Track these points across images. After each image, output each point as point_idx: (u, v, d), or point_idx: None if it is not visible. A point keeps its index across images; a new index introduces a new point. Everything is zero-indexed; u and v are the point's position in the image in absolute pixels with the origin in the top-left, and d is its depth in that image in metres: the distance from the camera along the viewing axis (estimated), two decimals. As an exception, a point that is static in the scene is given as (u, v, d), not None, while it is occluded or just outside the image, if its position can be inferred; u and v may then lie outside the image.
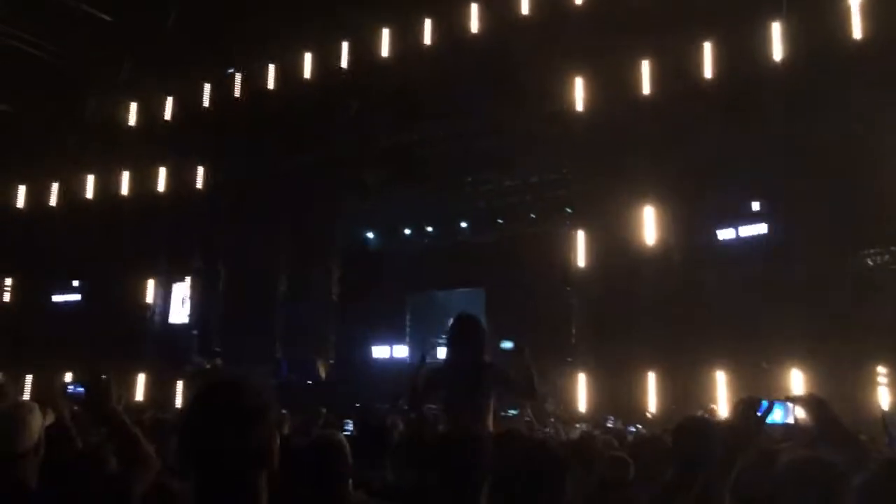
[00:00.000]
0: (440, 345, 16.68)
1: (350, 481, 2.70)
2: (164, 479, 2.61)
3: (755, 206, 12.05)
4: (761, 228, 11.93)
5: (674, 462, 2.77)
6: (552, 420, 9.86)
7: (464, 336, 4.71)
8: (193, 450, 1.55)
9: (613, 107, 12.84)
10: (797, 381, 10.87)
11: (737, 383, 11.26)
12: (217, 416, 1.53)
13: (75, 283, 17.65)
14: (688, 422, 2.97)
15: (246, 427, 1.52)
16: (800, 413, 3.51)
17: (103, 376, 2.60)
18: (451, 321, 4.84)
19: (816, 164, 10.84)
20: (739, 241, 12.04)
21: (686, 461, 2.61)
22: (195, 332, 16.95)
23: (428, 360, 5.58)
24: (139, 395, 15.58)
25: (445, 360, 4.84)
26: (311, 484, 2.39)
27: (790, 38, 11.56)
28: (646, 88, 12.74)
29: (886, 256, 11.18)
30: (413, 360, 16.97)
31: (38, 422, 2.58)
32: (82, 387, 2.57)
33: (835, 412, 2.76)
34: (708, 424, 2.85)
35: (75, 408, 3.44)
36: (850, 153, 10.63)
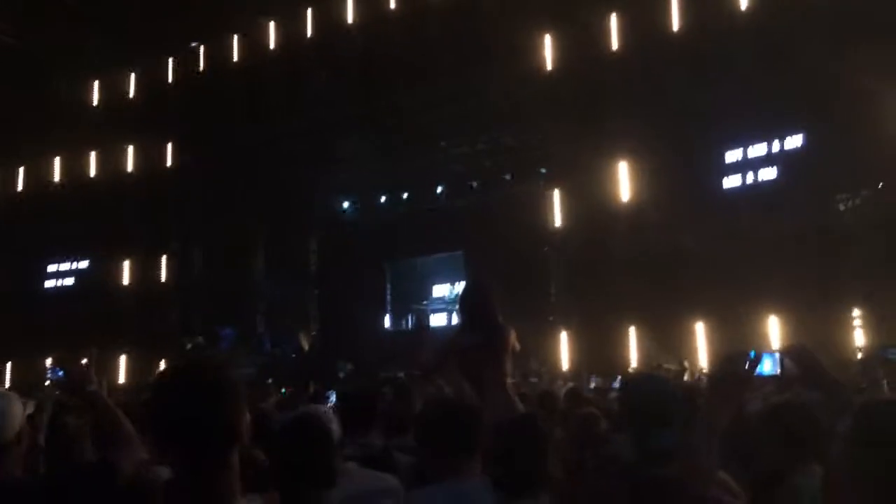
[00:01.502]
0: (433, 311, 16.79)
1: (336, 452, 2.71)
2: (147, 465, 2.60)
3: (730, 156, 12.12)
4: (736, 180, 12.02)
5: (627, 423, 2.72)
6: (535, 379, 9.96)
7: (479, 302, 4.71)
8: (161, 430, 1.55)
9: (584, 63, 12.78)
10: (774, 328, 11.05)
11: (716, 334, 11.43)
12: (180, 394, 1.53)
13: (50, 268, 17.44)
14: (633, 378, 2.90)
15: (210, 404, 1.52)
16: (787, 363, 3.57)
17: (83, 360, 2.58)
18: (463, 288, 4.86)
19: (790, 113, 10.88)
20: (715, 193, 12.13)
21: (642, 422, 2.56)
22: (175, 311, 16.85)
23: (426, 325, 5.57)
24: (121, 376, 15.50)
25: (463, 328, 4.82)
26: (298, 458, 2.39)
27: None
28: (614, 43, 12.68)
29: (857, 200, 11.30)
30: (404, 327, 17.08)
31: (20, 411, 2.55)
32: (62, 370, 2.55)
33: (819, 360, 2.79)
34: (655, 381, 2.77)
35: (57, 392, 3.42)
36: (826, 99, 10.64)
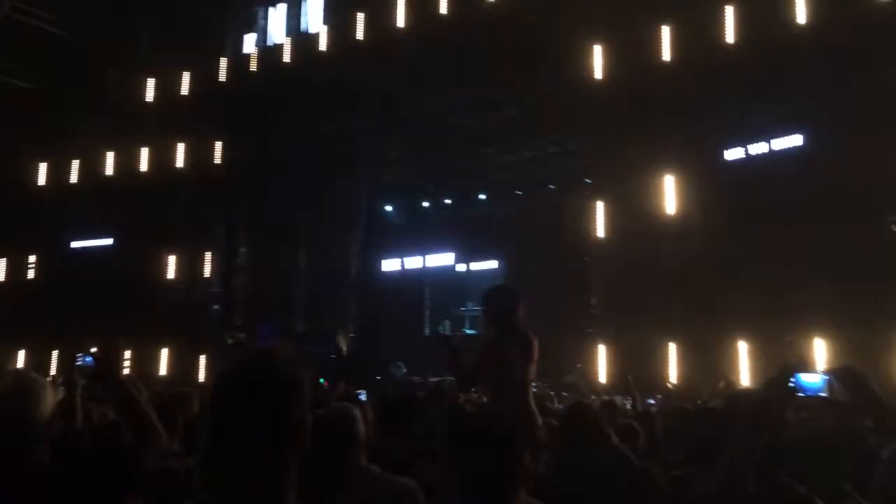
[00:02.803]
0: (467, 315, 16.76)
1: (360, 453, 2.68)
2: (170, 459, 2.61)
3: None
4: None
5: (694, 436, 2.68)
6: (566, 394, 9.81)
7: (494, 308, 4.67)
8: (222, 426, 1.46)
9: (633, 74, 12.63)
10: (821, 350, 10.75)
11: (759, 353, 11.16)
12: (248, 391, 1.45)
13: (101, 248, 17.73)
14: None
15: (277, 403, 1.44)
16: (836, 385, 3.47)
17: (114, 348, 2.59)
18: (487, 290, 4.81)
19: (846, 128, 10.59)
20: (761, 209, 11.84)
21: (705, 435, 2.52)
22: (216, 306, 17.08)
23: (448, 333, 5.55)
24: (162, 369, 15.76)
25: (486, 333, 4.80)
26: (319, 456, 2.37)
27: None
28: (666, 54, 12.51)
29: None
30: (441, 332, 17.04)
31: (50, 397, 2.58)
32: (91, 359, 2.57)
33: (871, 384, 2.69)
34: (733, 399, 2.72)
35: (82, 382, 3.45)
36: (884, 113, 10.36)
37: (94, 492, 2.52)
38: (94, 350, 2.61)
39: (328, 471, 2.36)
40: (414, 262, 17.43)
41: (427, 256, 17.56)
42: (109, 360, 2.52)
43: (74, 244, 17.86)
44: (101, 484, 2.55)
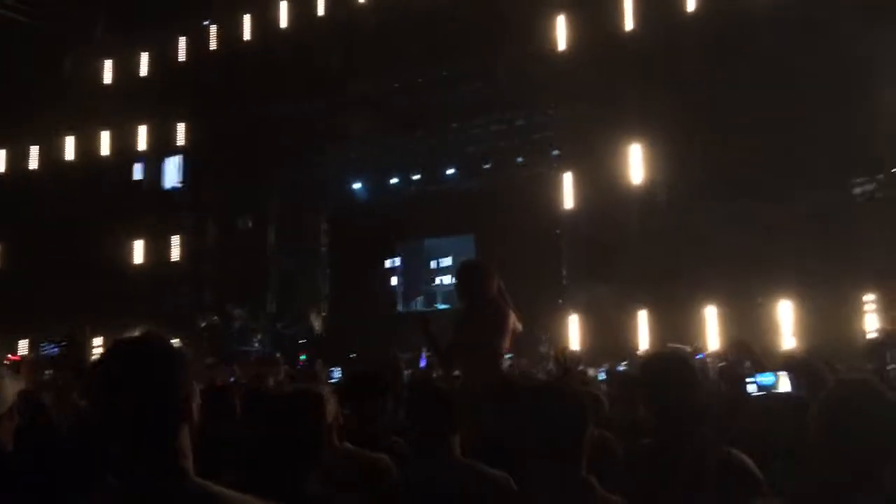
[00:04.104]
0: (439, 290, 16.83)
1: (331, 432, 2.68)
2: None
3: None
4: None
5: (650, 410, 2.69)
6: (547, 364, 9.90)
7: (464, 283, 4.69)
8: (100, 407, 1.52)
9: (597, 44, 12.63)
10: (787, 313, 10.96)
11: (728, 318, 11.34)
12: (120, 370, 1.50)
13: (64, 234, 17.44)
14: (660, 361, 2.77)
15: (157, 377, 1.49)
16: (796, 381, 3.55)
17: (82, 336, 2.57)
18: (459, 266, 4.88)
19: (811, 95, 10.70)
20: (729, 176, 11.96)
21: (662, 407, 2.54)
22: (186, 289, 16.91)
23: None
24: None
25: (459, 307, 4.82)
26: (289, 435, 2.37)
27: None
28: (629, 23, 12.52)
29: (872, 185, 11.15)
30: (413, 308, 17.10)
31: (11, 387, 2.54)
32: (56, 347, 2.54)
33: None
34: (686, 366, 2.70)
35: (46, 372, 3.41)
36: (843, 82, 10.50)
37: (63, 478, 2.50)
38: (60, 338, 2.58)
39: (297, 449, 2.37)
40: (385, 239, 17.37)
41: (397, 233, 17.54)
42: (78, 348, 2.49)
43: (37, 231, 17.52)
44: (70, 470, 2.53)
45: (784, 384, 3.86)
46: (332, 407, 2.73)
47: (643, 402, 2.88)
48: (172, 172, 16.84)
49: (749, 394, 4.03)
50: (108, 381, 1.50)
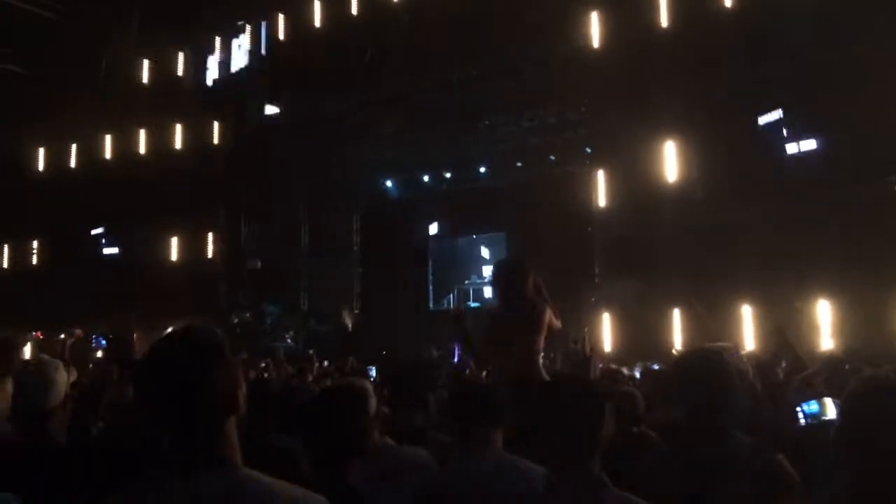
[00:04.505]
0: (471, 288, 16.80)
1: (373, 427, 2.71)
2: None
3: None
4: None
5: (681, 405, 2.66)
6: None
7: (501, 281, 4.70)
8: (150, 399, 1.53)
9: (631, 41, 12.53)
10: (825, 312, 10.78)
11: (765, 318, 11.18)
12: (172, 362, 1.51)
13: (101, 242, 17.83)
14: (693, 358, 2.72)
15: (203, 372, 1.50)
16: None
17: (128, 329, 2.63)
18: (496, 265, 4.90)
19: (846, 91, 10.51)
20: (763, 172, 11.81)
21: (696, 404, 2.51)
22: (221, 287, 17.13)
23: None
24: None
25: (495, 305, 4.82)
26: (333, 428, 2.40)
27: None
28: (664, 20, 12.40)
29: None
30: (445, 307, 17.12)
31: (64, 379, 2.61)
32: (104, 339, 2.60)
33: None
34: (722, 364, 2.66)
35: (98, 355, 3.48)
36: (884, 76, 10.30)
37: (109, 470, 2.55)
38: (108, 331, 2.64)
39: (341, 442, 2.40)
40: (417, 237, 17.43)
41: (429, 230, 17.58)
42: (126, 340, 2.55)
43: (77, 229, 17.88)
44: (116, 462, 2.59)
45: (831, 411, 3.71)
46: (374, 402, 2.76)
47: (677, 400, 2.85)
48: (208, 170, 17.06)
49: (797, 416, 3.89)
50: (159, 373, 1.51)
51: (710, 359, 2.63)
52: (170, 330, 1.63)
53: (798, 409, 3.94)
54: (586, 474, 2.06)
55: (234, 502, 1.45)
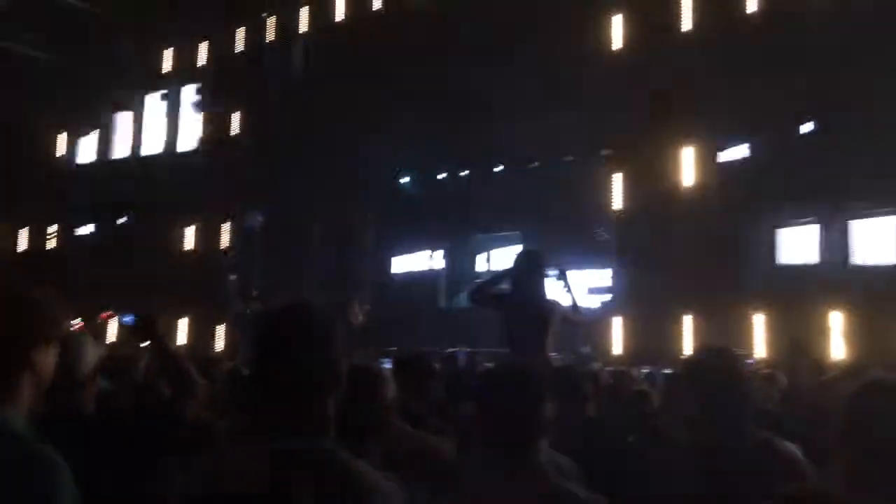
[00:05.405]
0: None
1: (391, 410, 2.74)
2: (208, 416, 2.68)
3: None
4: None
5: (694, 399, 2.68)
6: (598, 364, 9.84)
7: (528, 270, 4.74)
8: (263, 373, 1.53)
9: (652, 43, 12.52)
10: (836, 321, 10.76)
11: (777, 327, 11.15)
12: (289, 338, 1.51)
13: (118, 223, 17.93)
14: (704, 355, 2.76)
15: (317, 349, 1.51)
16: None
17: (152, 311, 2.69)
18: (516, 256, 4.94)
19: (873, 93, 10.46)
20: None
21: (708, 402, 2.53)
22: (233, 277, 17.19)
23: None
24: (181, 338, 15.94)
25: (510, 293, 4.86)
26: (354, 403, 2.43)
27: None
28: (686, 23, 12.38)
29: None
30: (458, 304, 17.10)
31: (92, 351, 2.67)
32: (133, 317, 2.66)
33: None
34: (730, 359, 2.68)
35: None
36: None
37: (133, 443, 2.61)
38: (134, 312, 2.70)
39: (357, 424, 2.43)
40: (431, 234, 17.44)
41: (443, 228, 17.58)
42: (152, 319, 2.61)
43: (92, 215, 18.02)
44: (140, 437, 2.64)
45: None
46: (391, 386, 2.79)
47: (689, 397, 2.88)
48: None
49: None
50: (275, 345, 1.52)
51: (720, 354, 2.67)
52: (282, 307, 1.61)
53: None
54: (523, 460, 2.08)
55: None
